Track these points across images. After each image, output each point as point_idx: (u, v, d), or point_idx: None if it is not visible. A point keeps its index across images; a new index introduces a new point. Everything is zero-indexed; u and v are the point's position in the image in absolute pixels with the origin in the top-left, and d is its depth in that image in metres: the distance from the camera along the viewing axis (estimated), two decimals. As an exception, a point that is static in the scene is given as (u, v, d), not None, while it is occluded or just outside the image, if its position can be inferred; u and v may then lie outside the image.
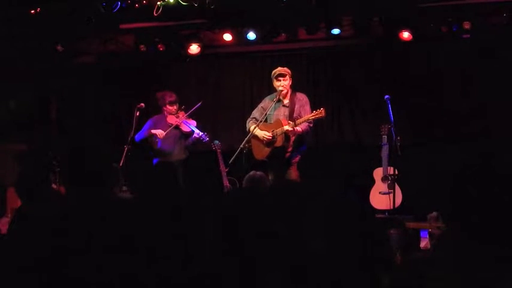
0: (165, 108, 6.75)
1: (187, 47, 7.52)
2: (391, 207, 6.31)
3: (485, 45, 6.92)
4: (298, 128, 5.98)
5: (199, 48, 7.53)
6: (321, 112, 5.87)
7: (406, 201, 6.43)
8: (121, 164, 6.37)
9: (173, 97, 6.73)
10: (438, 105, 7.22)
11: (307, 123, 6.04)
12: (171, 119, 6.69)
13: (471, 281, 1.51)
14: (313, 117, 5.92)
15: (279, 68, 6.27)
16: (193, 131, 6.64)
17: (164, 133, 6.62)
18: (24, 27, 7.05)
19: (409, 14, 6.86)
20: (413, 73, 7.28)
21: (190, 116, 6.75)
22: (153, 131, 6.67)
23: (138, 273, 1.73)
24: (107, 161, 2.74)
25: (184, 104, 6.84)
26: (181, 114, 6.71)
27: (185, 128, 6.66)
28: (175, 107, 6.72)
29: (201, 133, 6.57)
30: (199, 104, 6.68)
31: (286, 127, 5.96)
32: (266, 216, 1.55)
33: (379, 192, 6.64)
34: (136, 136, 6.71)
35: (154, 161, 6.75)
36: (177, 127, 6.66)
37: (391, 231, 4.94)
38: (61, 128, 8.10)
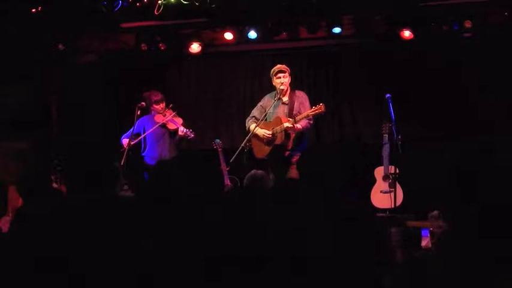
0: (152, 108, 6.78)
1: (188, 46, 7.52)
2: (392, 206, 6.29)
3: (486, 43, 6.91)
4: (298, 125, 5.96)
5: (200, 47, 7.53)
6: (320, 107, 5.84)
7: (407, 200, 6.42)
8: (122, 163, 6.38)
9: (158, 96, 6.76)
10: (439, 103, 7.21)
11: (307, 120, 6.02)
12: (158, 118, 6.73)
13: (471, 280, 1.51)
14: (313, 112, 5.88)
15: (278, 65, 6.24)
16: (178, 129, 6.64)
17: (130, 142, 6.61)
18: (26, 26, 7.05)
19: (410, 12, 6.85)
20: (414, 71, 7.27)
21: (178, 115, 6.75)
22: (123, 140, 6.68)
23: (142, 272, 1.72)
24: (107, 160, 2.75)
25: (183, 103, 6.86)
26: (168, 112, 6.74)
27: (171, 126, 6.69)
28: (161, 106, 6.75)
29: (185, 130, 6.56)
30: (175, 112, 6.67)
31: (287, 124, 5.94)
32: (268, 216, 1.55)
33: (380, 191, 6.63)
34: (122, 137, 6.72)
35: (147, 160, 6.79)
36: (164, 125, 6.69)
37: (392, 230, 4.94)
38: (62, 127, 8.09)
